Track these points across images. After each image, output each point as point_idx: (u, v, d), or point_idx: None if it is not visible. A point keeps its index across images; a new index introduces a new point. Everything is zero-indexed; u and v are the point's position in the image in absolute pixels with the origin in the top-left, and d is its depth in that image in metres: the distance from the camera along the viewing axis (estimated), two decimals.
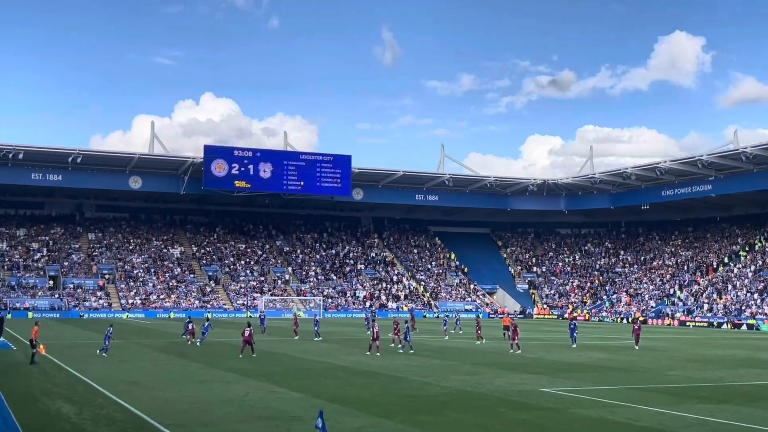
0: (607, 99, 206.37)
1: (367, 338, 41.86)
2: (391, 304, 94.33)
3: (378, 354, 37.51)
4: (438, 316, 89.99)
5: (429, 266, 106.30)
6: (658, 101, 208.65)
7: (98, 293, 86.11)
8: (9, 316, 71.94)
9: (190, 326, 44.70)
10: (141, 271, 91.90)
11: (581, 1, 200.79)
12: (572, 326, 46.29)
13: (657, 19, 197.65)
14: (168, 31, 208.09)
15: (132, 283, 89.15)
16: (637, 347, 44.27)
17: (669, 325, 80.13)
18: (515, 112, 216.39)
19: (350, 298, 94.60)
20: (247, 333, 36.10)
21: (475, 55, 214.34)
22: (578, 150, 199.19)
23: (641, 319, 77.06)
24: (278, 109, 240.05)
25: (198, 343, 42.69)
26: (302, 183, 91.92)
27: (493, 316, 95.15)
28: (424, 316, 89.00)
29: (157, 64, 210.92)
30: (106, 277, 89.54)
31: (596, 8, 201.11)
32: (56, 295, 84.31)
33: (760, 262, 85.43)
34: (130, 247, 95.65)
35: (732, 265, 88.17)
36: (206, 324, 45.38)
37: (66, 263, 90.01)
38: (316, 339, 48.43)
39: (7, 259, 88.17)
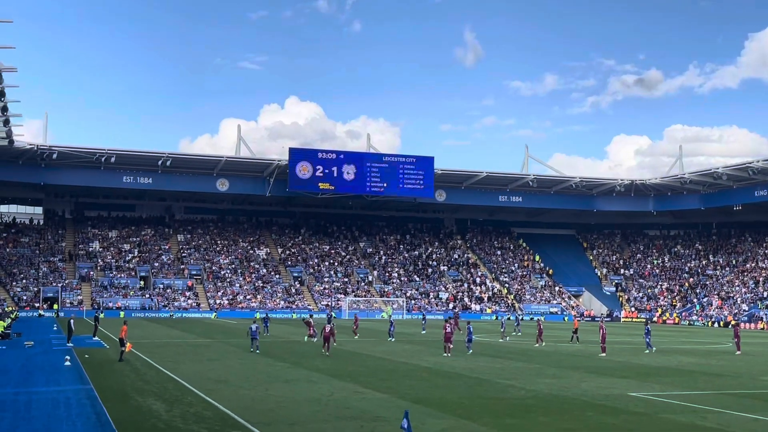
0: (696, 98, 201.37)
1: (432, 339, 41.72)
2: (475, 306, 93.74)
3: (449, 355, 37.73)
4: (523, 318, 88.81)
5: (513, 268, 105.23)
6: (748, 100, 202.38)
7: (187, 293, 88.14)
8: (102, 315, 74.11)
9: (310, 326, 46.81)
10: (228, 271, 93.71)
11: (664, 5, 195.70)
12: (646, 330, 44.98)
13: (747, 16, 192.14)
14: (254, 36, 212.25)
15: (219, 284, 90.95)
16: (738, 352, 43.02)
17: (762, 329, 77.40)
18: (600, 112, 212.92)
19: (433, 300, 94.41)
20: (327, 329, 37.98)
21: (559, 55, 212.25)
22: (666, 150, 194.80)
23: (734, 322, 74.56)
24: (361, 111, 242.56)
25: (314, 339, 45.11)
26: (385, 185, 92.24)
27: (579, 318, 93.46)
28: (508, 319, 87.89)
29: (243, 69, 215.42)
30: (195, 277, 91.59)
31: (684, 5, 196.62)
32: (147, 295, 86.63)
33: None
34: (218, 249, 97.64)
35: None
36: (263, 322, 45.69)
37: (156, 264, 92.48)
38: (389, 339, 48.90)
39: (100, 260, 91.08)
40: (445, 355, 37.82)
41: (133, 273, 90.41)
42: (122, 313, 79.92)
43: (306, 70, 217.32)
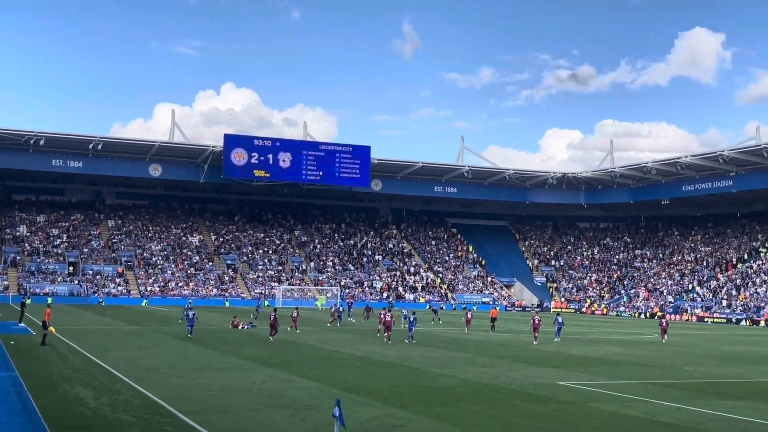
0: (627, 94, 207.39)
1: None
2: (408, 296, 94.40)
3: (389, 342, 38.79)
4: (455, 309, 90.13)
5: (446, 258, 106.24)
6: (677, 97, 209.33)
7: (117, 280, 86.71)
8: (29, 301, 72.43)
9: (294, 314, 47.05)
10: (160, 258, 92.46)
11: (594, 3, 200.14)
12: (557, 321, 45.73)
13: (677, 15, 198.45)
14: (190, 20, 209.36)
15: (151, 271, 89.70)
16: (664, 341, 45.79)
17: (687, 320, 79.72)
18: (534, 105, 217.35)
19: (368, 289, 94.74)
20: (272, 318, 40.23)
21: (495, 49, 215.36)
22: (597, 144, 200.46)
23: (659, 314, 76.63)
24: (298, 99, 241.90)
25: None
26: (321, 173, 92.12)
27: (510, 309, 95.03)
28: (442, 308, 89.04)
29: (178, 53, 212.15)
30: (126, 264, 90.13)
31: (616, 2, 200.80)
32: (75, 281, 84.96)
33: None
34: (150, 235, 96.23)
35: (751, 261, 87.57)
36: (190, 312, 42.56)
37: (86, 249, 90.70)
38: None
39: (27, 245, 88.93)
40: (387, 342, 38.77)
41: (62, 258, 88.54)
42: (50, 299, 78.25)
43: (243, 56, 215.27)
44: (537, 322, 41.35)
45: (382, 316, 41.42)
